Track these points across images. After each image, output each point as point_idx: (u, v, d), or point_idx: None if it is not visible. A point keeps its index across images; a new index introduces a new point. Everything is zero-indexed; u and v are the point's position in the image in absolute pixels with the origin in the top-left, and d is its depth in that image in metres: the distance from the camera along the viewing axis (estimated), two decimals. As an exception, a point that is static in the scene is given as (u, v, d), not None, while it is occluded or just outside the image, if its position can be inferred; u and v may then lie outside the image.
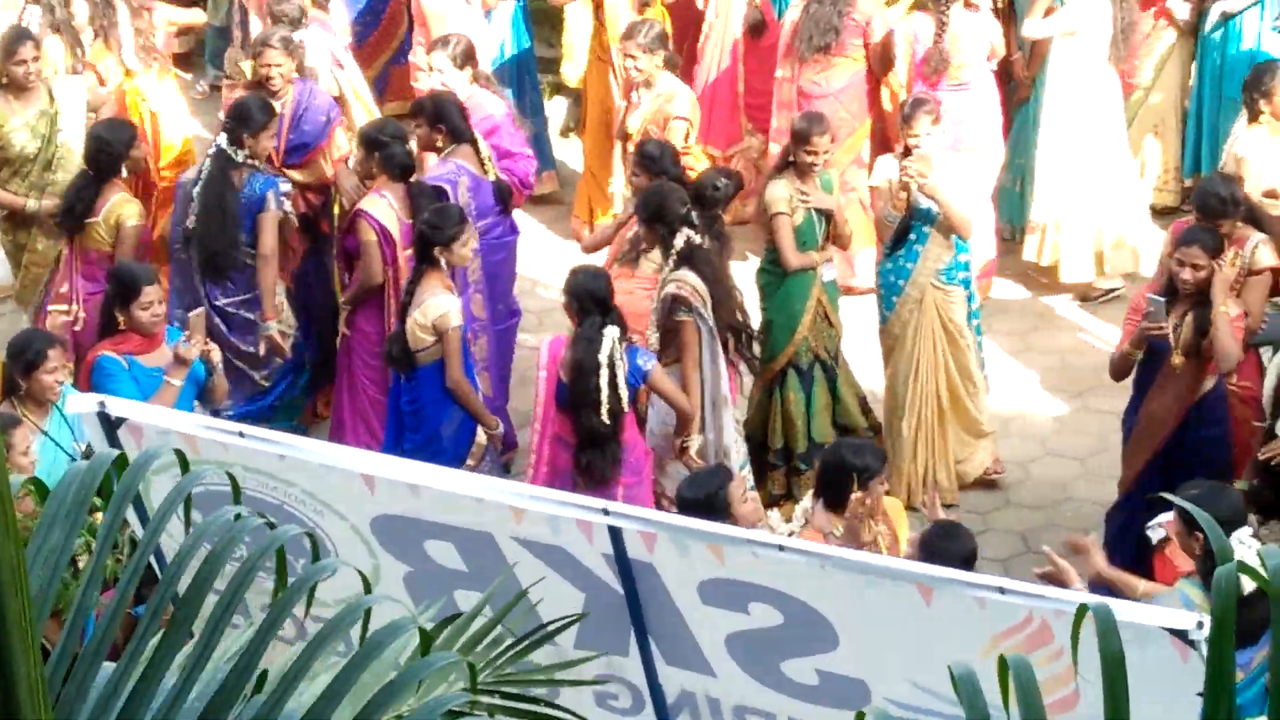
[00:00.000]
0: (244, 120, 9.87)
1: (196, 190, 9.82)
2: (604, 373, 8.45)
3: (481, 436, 9.19)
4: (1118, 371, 8.98)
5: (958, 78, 11.38)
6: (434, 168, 10.25)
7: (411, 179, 9.88)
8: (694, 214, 9.12)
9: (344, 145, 10.86)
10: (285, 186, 10.15)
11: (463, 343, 9.08)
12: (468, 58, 10.86)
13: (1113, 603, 5.09)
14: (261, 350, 10.03)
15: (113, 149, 9.94)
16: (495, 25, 12.57)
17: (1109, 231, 11.65)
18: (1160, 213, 11.99)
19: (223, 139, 9.85)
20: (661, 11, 12.15)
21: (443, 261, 8.99)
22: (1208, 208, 8.86)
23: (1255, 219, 9.10)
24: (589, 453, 8.57)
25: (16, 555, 2.81)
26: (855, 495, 7.38)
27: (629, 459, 8.79)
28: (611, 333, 8.48)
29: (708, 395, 9.16)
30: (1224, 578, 2.89)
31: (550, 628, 4.09)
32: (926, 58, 11.39)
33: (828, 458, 7.79)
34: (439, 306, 8.88)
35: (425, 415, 9.08)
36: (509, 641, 3.86)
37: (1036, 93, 11.87)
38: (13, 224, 10.64)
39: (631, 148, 10.59)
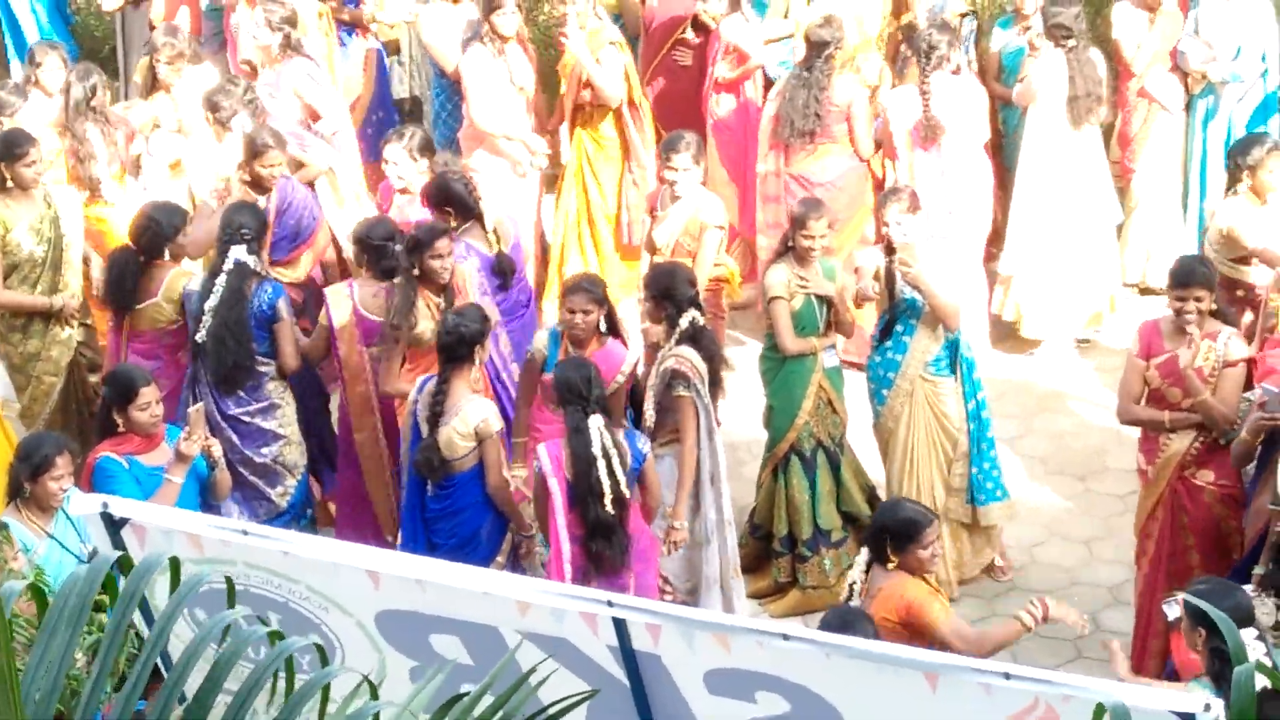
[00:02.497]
0: (249, 229, 9.77)
1: (210, 305, 9.65)
2: (601, 463, 8.45)
3: (510, 536, 9.11)
4: (1239, 460, 8.77)
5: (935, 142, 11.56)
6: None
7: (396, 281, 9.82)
8: (697, 296, 9.22)
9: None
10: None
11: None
12: (426, 148, 10.97)
13: (1123, 687, 5.09)
14: (273, 455, 9.97)
15: (161, 230, 9.94)
16: None
17: (1073, 287, 11.91)
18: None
19: (240, 252, 9.68)
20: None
21: (475, 360, 8.93)
22: (1191, 279, 8.75)
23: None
24: (598, 543, 8.53)
25: (8, 663, 2.82)
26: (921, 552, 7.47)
27: (637, 546, 8.76)
28: (596, 422, 8.47)
29: (706, 471, 9.17)
30: (1242, 676, 2.91)
31: (553, 710, 4.08)
32: (917, 129, 11.53)
33: (878, 513, 7.85)
34: (478, 412, 8.79)
35: (462, 520, 8.95)
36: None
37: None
38: (23, 334, 10.61)
39: (660, 260, 10.54)
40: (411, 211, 10.75)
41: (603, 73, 11.98)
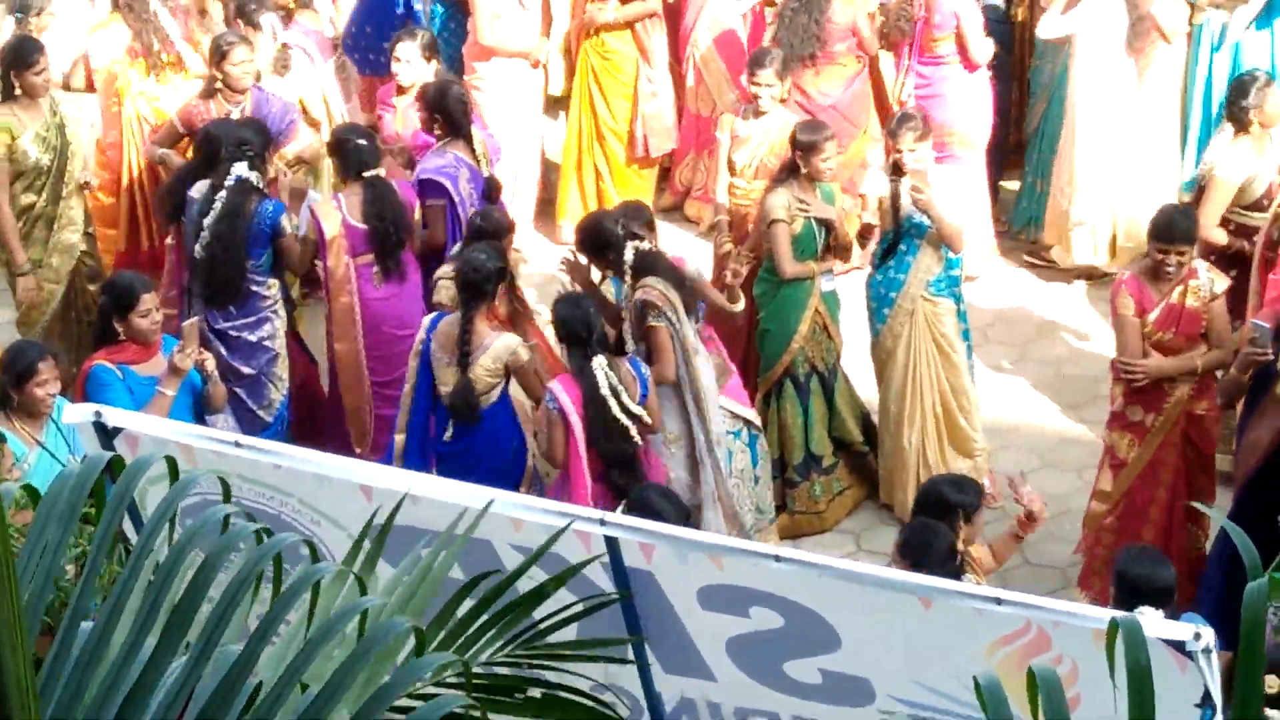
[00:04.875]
0: (253, 144, 9.75)
1: (209, 220, 9.66)
2: (611, 402, 8.45)
3: (531, 461, 9.11)
4: (1228, 397, 8.83)
5: (933, 51, 11.50)
6: (430, 158, 10.24)
7: (369, 176, 9.84)
8: (633, 226, 9.14)
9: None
10: None
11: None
12: (433, 49, 10.95)
13: (1110, 613, 5.10)
14: (259, 368, 9.97)
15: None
16: None
17: (1125, 218, 11.80)
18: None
19: (241, 168, 9.66)
20: None
21: (495, 296, 8.92)
22: (1174, 234, 8.71)
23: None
24: (622, 475, 8.55)
25: (6, 559, 2.80)
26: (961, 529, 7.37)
27: (646, 470, 8.82)
28: (599, 362, 8.46)
29: (688, 393, 9.10)
30: (1253, 593, 2.90)
31: (545, 624, 4.09)
32: (886, 23, 11.59)
33: (930, 496, 7.65)
34: (505, 346, 8.78)
35: (481, 454, 8.91)
36: (503, 641, 3.88)
37: (1059, 90, 11.95)
38: (25, 240, 10.52)
39: (740, 180, 10.52)
40: (415, 114, 10.70)
41: None
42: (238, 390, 9.89)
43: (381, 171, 9.96)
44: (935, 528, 7.17)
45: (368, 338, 10.01)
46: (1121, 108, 11.68)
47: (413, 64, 10.86)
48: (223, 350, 9.81)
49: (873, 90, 12.16)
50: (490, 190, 10.26)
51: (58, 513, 3.26)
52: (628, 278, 9.01)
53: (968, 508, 7.46)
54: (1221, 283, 8.84)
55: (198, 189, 9.83)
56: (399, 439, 9.13)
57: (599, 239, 9.12)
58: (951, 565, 6.90)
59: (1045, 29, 11.73)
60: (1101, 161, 11.75)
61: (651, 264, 9.02)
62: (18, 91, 10.39)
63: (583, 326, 8.48)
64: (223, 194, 9.67)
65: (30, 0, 11.65)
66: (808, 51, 11.50)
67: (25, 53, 10.43)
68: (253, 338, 9.92)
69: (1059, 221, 12.09)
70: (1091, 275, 12.06)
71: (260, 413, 10.00)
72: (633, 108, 12.49)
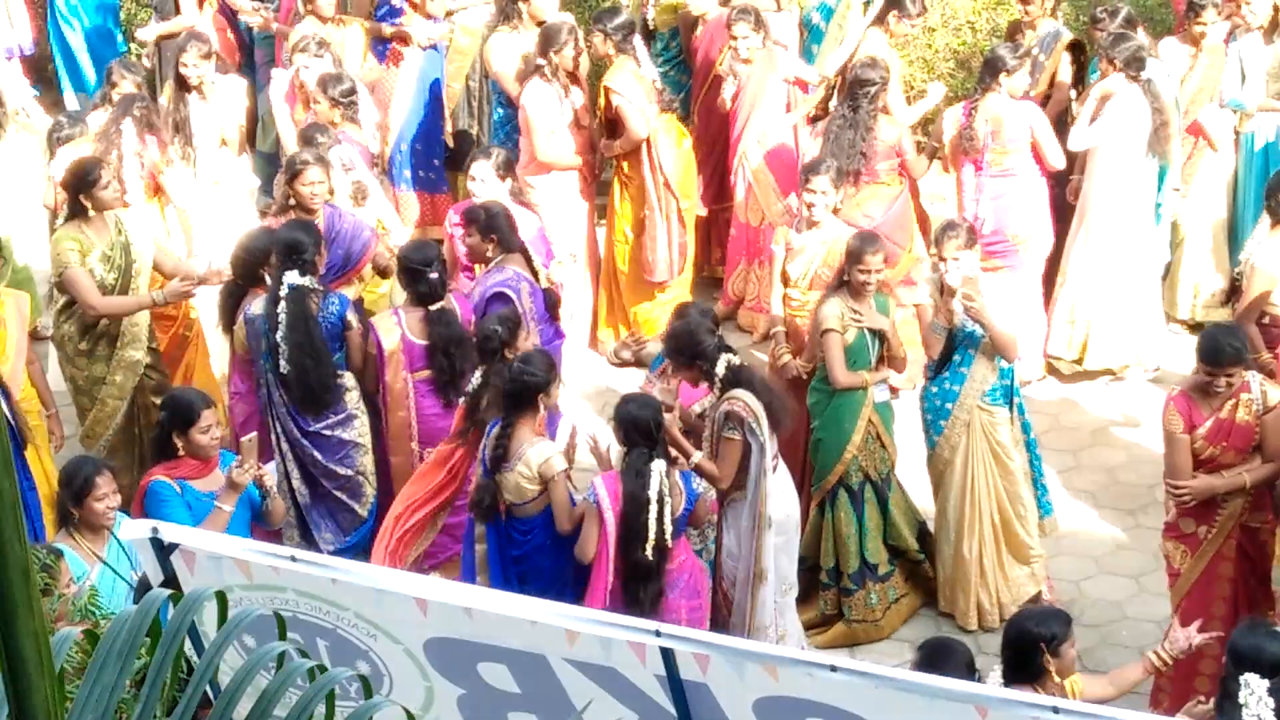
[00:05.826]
0: (304, 249, 9.81)
1: (281, 335, 9.71)
2: (653, 508, 8.45)
3: None
4: None
5: (1000, 165, 11.57)
6: (490, 273, 10.34)
7: (434, 306, 9.94)
8: (721, 339, 9.19)
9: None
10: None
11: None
12: (509, 168, 11.01)
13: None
14: (355, 466, 10.07)
15: (254, 258, 10.10)
16: None
17: (1135, 321, 11.90)
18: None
19: (292, 276, 9.71)
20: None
21: (541, 408, 8.92)
22: (1222, 358, 8.63)
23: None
24: (636, 585, 8.57)
25: (51, 697, 2.83)
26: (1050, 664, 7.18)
27: (685, 582, 8.80)
28: (659, 466, 8.48)
29: (747, 514, 9.14)
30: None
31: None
32: (955, 141, 11.56)
33: (1011, 631, 7.44)
34: (542, 454, 8.78)
35: (545, 559, 8.94)
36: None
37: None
38: (89, 357, 10.64)
39: (795, 291, 10.57)
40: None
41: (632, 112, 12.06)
42: (336, 492, 10.01)
43: (448, 302, 10.05)
44: (950, 645, 7.12)
45: (423, 452, 10.04)
46: (1131, 214, 11.75)
47: (488, 183, 10.96)
48: (317, 454, 9.93)
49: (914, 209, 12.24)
50: (551, 303, 10.35)
51: (115, 652, 3.28)
52: (717, 389, 9.03)
53: (1050, 640, 7.18)
54: (1275, 394, 8.75)
55: (255, 307, 9.92)
56: (480, 549, 9.14)
57: (693, 349, 9.13)
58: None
59: (1076, 142, 11.79)
60: (1098, 262, 11.83)
61: (743, 378, 9.06)
62: (88, 212, 10.46)
63: (651, 427, 8.51)
64: (282, 305, 9.73)
65: (64, 122, 11.83)
66: (853, 168, 11.51)
67: (86, 171, 10.51)
68: (346, 435, 10.01)
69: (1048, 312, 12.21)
70: (1114, 374, 12.14)
71: (359, 508, 10.11)
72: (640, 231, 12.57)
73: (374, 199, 11.55)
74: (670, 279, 12.50)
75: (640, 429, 8.53)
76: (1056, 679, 7.19)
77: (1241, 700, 6.54)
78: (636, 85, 12.15)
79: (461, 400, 9.48)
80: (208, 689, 4.29)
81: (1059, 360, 12.19)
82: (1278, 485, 8.77)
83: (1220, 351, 8.66)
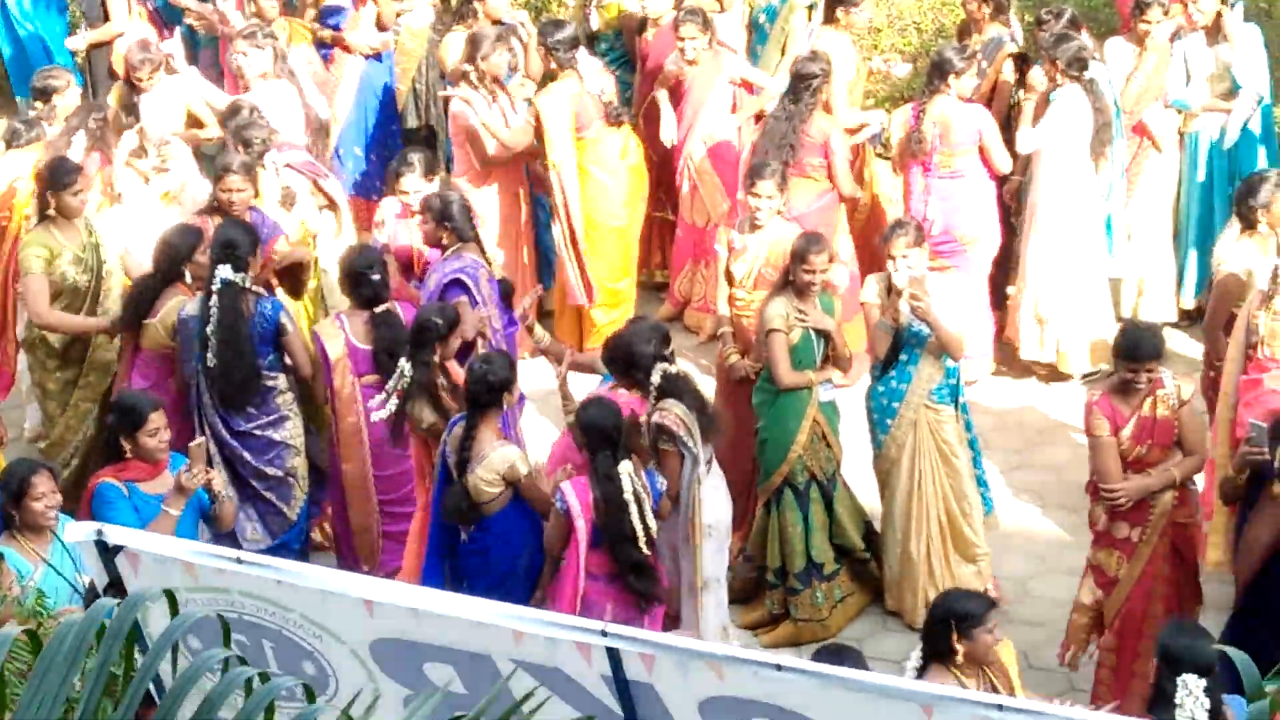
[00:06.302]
0: (239, 246, 9.81)
1: (211, 329, 9.73)
2: (633, 508, 8.46)
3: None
4: (1227, 497, 8.89)
5: (949, 166, 11.61)
6: (447, 260, 10.29)
7: (378, 309, 9.92)
8: (664, 349, 9.16)
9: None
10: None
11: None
12: (432, 168, 11.11)
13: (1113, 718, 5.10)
14: (284, 468, 10.07)
15: (177, 253, 10.07)
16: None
17: (1094, 321, 11.96)
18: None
19: (225, 270, 9.71)
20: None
21: (503, 405, 8.91)
22: (1141, 353, 8.74)
23: None
24: (639, 582, 8.58)
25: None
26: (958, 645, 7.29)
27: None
28: (627, 468, 8.48)
29: (683, 520, 9.14)
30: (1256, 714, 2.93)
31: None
32: (903, 143, 11.60)
33: (933, 608, 7.61)
34: (505, 458, 8.76)
35: (495, 558, 8.91)
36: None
37: (1022, 193, 12.10)
38: (62, 360, 10.64)
39: (740, 291, 10.54)
40: (408, 234, 10.92)
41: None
42: (265, 493, 10.01)
43: (392, 305, 10.03)
44: (844, 650, 7.18)
45: (374, 456, 10.03)
46: (1080, 212, 11.84)
47: (420, 192, 10.93)
48: (247, 455, 9.93)
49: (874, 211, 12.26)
50: (506, 291, 10.37)
51: (63, 655, 3.28)
52: (651, 398, 9.03)
53: (962, 619, 7.30)
54: (1188, 388, 8.87)
55: (191, 308, 9.92)
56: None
57: (628, 358, 9.11)
58: None
59: (1024, 145, 11.86)
60: (1054, 264, 11.91)
61: (676, 388, 9.06)
62: (53, 213, 10.45)
63: (614, 431, 8.50)
64: (214, 300, 9.73)
65: (20, 128, 11.70)
66: (780, 160, 11.51)
67: (62, 172, 10.49)
68: (276, 436, 10.02)
69: (1014, 318, 12.24)
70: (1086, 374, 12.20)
71: (287, 511, 10.11)
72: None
73: (301, 205, 11.51)
74: (588, 304, 12.54)
75: (601, 433, 8.52)
76: (960, 660, 7.29)
77: (1178, 701, 6.60)
78: (566, 104, 12.15)
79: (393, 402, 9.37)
80: (151, 688, 4.28)
81: (1037, 365, 12.24)
82: (1222, 478, 8.85)
83: (1139, 346, 8.75)
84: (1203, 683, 6.63)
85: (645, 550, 8.53)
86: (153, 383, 10.06)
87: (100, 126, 11.53)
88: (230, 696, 3.43)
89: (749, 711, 5.20)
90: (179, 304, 10.02)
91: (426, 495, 9.41)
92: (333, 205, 11.77)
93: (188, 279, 10.12)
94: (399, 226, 11.11)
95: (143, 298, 10.15)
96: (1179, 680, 6.62)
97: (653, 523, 8.54)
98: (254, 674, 3.45)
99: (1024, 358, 12.20)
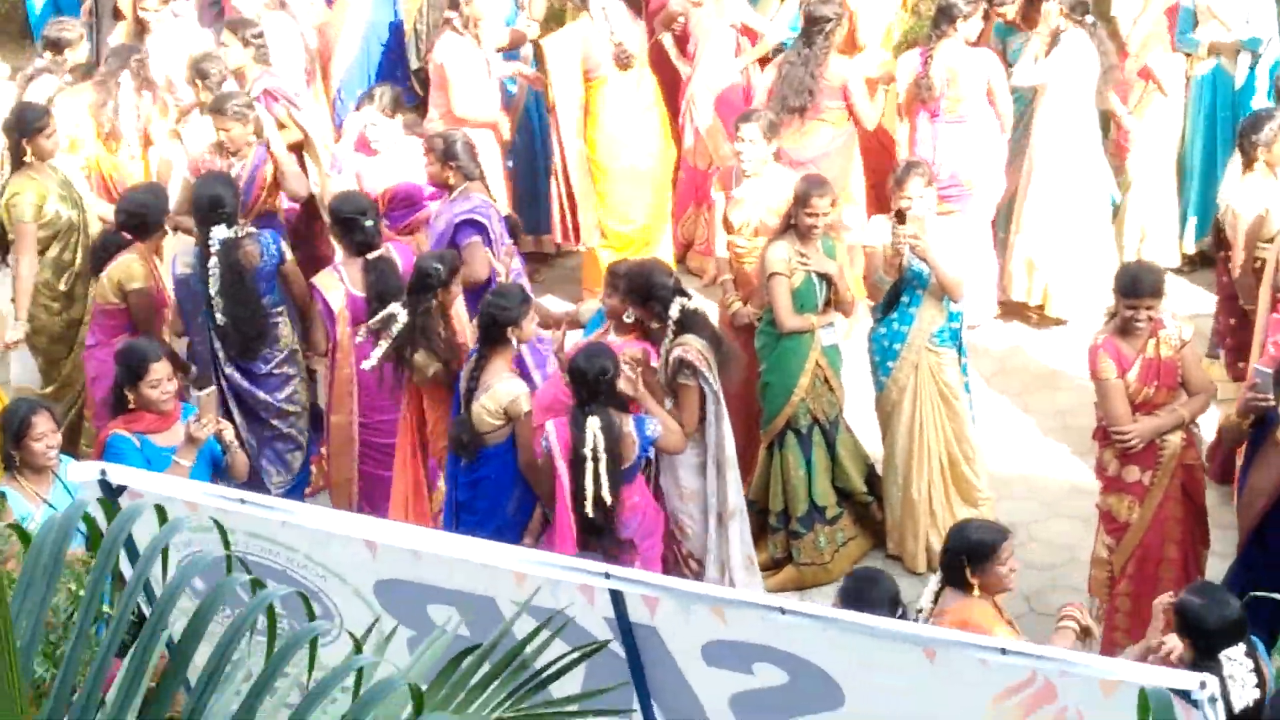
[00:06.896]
0: (225, 203, 9.84)
1: (215, 290, 9.79)
2: (588, 466, 8.43)
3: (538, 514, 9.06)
4: (1230, 442, 8.87)
5: (955, 112, 11.55)
6: (456, 201, 10.22)
7: (371, 255, 9.88)
8: (677, 283, 9.15)
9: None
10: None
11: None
12: (397, 104, 11.13)
13: (1117, 662, 5.10)
14: (291, 396, 10.18)
15: (147, 210, 10.06)
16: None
17: (1091, 265, 11.89)
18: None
19: (220, 231, 9.76)
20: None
21: (513, 341, 8.88)
22: (1142, 288, 8.67)
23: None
24: (590, 537, 8.55)
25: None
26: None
27: (641, 524, 8.78)
28: (593, 424, 8.43)
29: (710, 457, 9.15)
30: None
31: (544, 674, 4.08)
32: (911, 88, 11.54)
33: (949, 538, 7.58)
34: (509, 391, 8.74)
35: (486, 492, 8.91)
36: (503, 695, 3.88)
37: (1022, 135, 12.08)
38: (66, 300, 10.64)
39: (739, 238, 10.45)
40: (374, 176, 10.95)
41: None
42: (287, 430, 10.16)
43: (385, 249, 10.00)
44: (875, 577, 7.18)
45: (362, 402, 10.03)
46: (1079, 156, 11.80)
47: (379, 124, 11.05)
48: (266, 397, 10.08)
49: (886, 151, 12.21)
50: (513, 228, 10.36)
51: (44, 563, 3.28)
52: (669, 332, 9.01)
53: (975, 551, 7.29)
54: (1188, 329, 8.84)
55: (186, 264, 10.01)
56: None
57: (648, 289, 9.07)
58: (893, 617, 6.72)
59: (1020, 77, 11.80)
60: (1051, 207, 11.86)
61: (695, 323, 9.04)
62: (28, 159, 10.46)
63: (592, 382, 8.47)
64: (213, 260, 9.77)
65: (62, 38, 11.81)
66: (800, 105, 11.49)
67: (33, 117, 10.55)
68: (290, 370, 10.15)
69: (1005, 260, 12.24)
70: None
71: (302, 440, 10.27)
72: None
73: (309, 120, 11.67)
74: (564, 242, 12.58)
75: (581, 379, 8.49)
76: (976, 594, 7.28)
77: (1229, 674, 6.56)
78: (574, 48, 12.09)
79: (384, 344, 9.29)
80: (142, 599, 4.27)
81: (1025, 308, 12.21)
82: (1224, 424, 8.83)
83: (1140, 281, 8.70)
84: (1241, 648, 6.60)
85: (592, 511, 8.47)
86: (97, 340, 10.08)
87: (141, 66, 11.61)
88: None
89: (752, 656, 5.21)
90: (127, 264, 9.92)
91: (413, 442, 9.41)
92: (307, 139, 11.75)
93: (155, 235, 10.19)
94: (358, 161, 11.16)
95: (104, 249, 10.12)
96: (1222, 658, 6.57)
97: (605, 482, 8.45)
98: (249, 578, 3.44)
99: (1012, 298, 12.15)
